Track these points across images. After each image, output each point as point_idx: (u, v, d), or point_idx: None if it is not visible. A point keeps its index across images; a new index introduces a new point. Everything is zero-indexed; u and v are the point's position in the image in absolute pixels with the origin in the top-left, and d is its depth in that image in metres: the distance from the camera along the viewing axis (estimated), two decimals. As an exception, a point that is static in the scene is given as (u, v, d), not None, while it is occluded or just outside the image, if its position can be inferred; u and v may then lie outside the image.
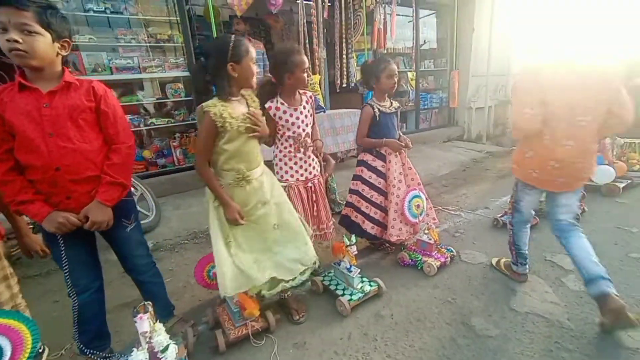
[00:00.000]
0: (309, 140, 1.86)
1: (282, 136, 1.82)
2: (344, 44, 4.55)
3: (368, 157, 2.24)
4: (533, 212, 1.88)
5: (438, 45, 6.72)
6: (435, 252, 2.13)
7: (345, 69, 4.44)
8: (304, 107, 1.81)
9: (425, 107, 6.51)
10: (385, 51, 5.32)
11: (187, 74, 4.02)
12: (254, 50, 1.43)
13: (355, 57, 4.34)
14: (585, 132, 1.50)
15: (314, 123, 1.92)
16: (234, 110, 1.41)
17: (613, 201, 3.05)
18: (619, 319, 1.39)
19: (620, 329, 1.43)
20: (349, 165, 4.81)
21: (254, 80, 1.47)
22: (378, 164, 2.22)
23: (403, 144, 2.16)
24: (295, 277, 1.57)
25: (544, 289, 1.80)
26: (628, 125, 1.49)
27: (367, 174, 2.24)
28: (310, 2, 4.13)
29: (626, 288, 1.78)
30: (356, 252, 1.81)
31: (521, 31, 7.02)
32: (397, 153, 2.23)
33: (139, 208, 2.20)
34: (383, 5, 4.78)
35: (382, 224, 2.25)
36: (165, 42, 3.90)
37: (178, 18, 3.88)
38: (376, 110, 2.13)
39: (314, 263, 1.62)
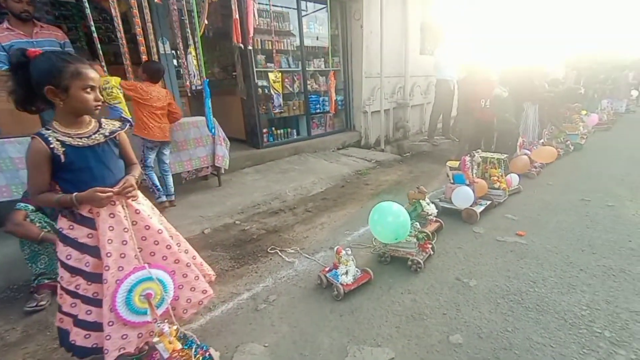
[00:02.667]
0: None
1: None
2: (189, 36, 3.58)
3: (63, 224, 1.34)
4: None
5: (332, 43, 6.12)
6: (179, 367, 1.33)
7: (187, 68, 3.48)
8: None
9: (317, 110, 5.89)
10: (251, 48, 4.48)
11: None
12: None
13: (194, 54, 3.38)
14: (164, 118, 3.13)
15: None
16: None
17: (470, 231, 2.63)
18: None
19: None
20: (196, 188, 3.91)
21: None
22: (80, 233, 1.33)
23: (113, 193, 1.31)
24: None
25: None
26: (181, 117, 3.37)
27: (63, 253, 1.34)
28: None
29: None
30: None
31: (413, 32, 6.82)
32: (124, 205, 1.38)
33: None
34: (240, -10, 3.92)
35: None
36: None
37: None
38: (55, 144, 1.24)
39: None
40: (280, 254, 2.49)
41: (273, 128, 5.45)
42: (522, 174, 3.92)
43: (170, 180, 3.31)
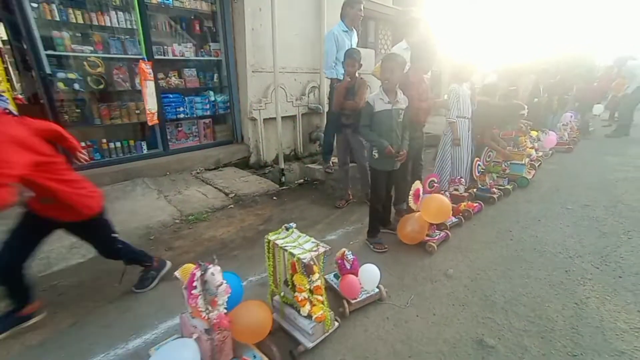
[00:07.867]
0: None
1: None
2: None
3: None
4: None
5: (212, 23, 4.42)
6: None
7: None
8: None
9: (181, 115, 4.22)
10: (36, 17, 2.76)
11: None
12: None
13: None
14: None
15: None
16: None
17: None
18: None
19: None
20: None
21: None
22: None
23: None
24: None
25: None
26: None
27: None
28: None
29: None
30: None
31: (334, 11, 5.13)
32: None
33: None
34: None
35: None
36: None
37: None
38: None
39: None
40: None
41: (104, 140, 3.79)
42: (417, 245, 2.38)
43: None
